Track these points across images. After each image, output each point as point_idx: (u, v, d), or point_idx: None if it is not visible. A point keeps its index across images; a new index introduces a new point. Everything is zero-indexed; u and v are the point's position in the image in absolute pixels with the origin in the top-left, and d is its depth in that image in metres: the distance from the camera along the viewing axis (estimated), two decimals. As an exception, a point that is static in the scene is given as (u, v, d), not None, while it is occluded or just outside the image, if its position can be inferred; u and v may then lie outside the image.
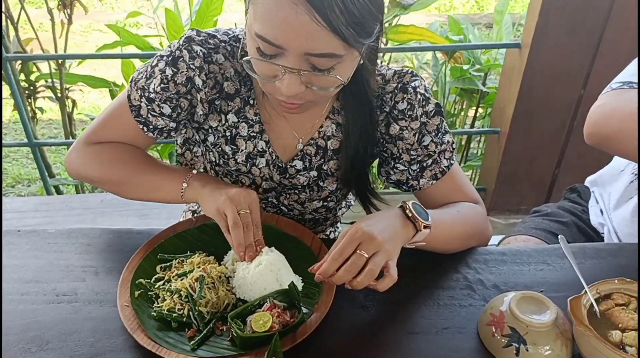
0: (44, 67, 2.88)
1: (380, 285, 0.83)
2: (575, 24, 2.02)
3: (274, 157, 1.06)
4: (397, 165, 1.07)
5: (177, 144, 1.15)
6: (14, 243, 1.04)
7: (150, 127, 1.03)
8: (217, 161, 1.08)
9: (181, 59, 0.97)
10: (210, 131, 1.06)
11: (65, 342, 0.85)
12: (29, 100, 2.90)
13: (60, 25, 2.69)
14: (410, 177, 1.06)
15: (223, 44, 0.99)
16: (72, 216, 1.13)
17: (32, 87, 2.91)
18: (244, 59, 0.85)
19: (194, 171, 1.02)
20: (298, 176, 1.08)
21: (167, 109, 1.01)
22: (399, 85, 1.01)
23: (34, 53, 2.96)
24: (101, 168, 1.05)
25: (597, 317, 0.82)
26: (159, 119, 1.02)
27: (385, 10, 2.45)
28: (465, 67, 2.66)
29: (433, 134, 1.03)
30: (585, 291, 0.84)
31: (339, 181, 1.09)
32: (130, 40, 2.72)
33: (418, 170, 1.05)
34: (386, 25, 2.47)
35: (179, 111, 1.02)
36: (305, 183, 1.09)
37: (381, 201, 1.10)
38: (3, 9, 2.44)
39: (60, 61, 2.68)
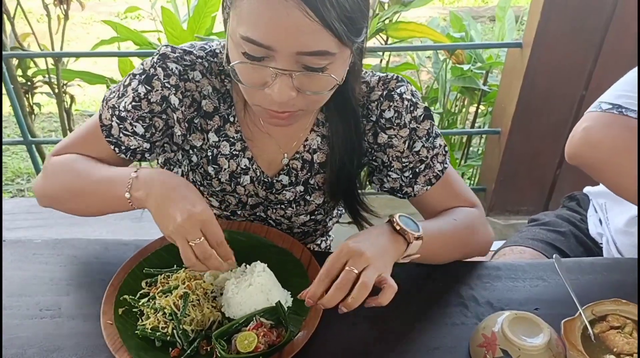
0: (42, 62, 2.86)
1: (382, 298, 0.79)
2: (577, 23, 1.98)
3: (258, 173, 1.03)
4: (390, 173, 1.04)
5: (157, 164, 1.10)
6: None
7: (123, 148, 0.98)
8: (202, 182, 1.04)
9: (155, 77, 0.93)
10: (192, 151, 1.02)
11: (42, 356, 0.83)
12: (27, 95, 2.88)
13: (57, 20, 2.67)
14: (403, 184, 1.03)
15: (200, 61, 0.95)
16: (63, 218, 1.10)
17: (29, 83, 2.89)
18: (231, 64, 0.80)
19: (133, 173, 0.86)
20: (284, 191, 1.05)
21: (139, 129, 0.96)
22: (384, 92, 0.98)
23: (30, 48, 2.93)
24: (54, 178, 0.98)
25: (592, 340, 0.80)
26: (132, 139, 0.97)
27: (385, 7, 2.41)
28: (466, 66, 2.62)
29: (424, 139, 1.00)
30: (580, 313, 0.81)
31: (325, 194, 1.06)
32: (127, 36, 2.69)
33: (411, 176, 1.02)
34: (386, 22, 2.44)
35: (153, 131, 0.97)
36: (291, 198, 1.06)
37: (371, 213, 1.07)
38: (-2, 5, 2.41)
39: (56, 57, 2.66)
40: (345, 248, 0.82)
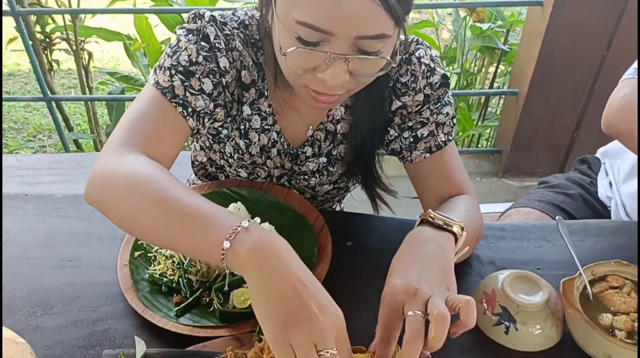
0: (59, 19, 2.87)
1: (466, 320, 0.66)
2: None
3: (285, 146, 1.03)
4: (390, 131, 1.01)
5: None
6: (22, 207, 1.07)
7: (189, 110, 0.86)
8: (232, 154, 1.04)
9: (209, 36, 0.88)
10: (225, 123, 0.99)
11: (69, 306, 0.88)
12: (45, 52, 2.91)
13: (74, -25, 2.66)
14: (404, 147, 1.00)
15: (237, 32, 0.92)
16: (84, 175, 1.13)
17: (47, 40, 2.91)
18: (284, 51, 0.76)
19: (245, 222, 0.64)
20: (307, 162, 1.05)
21: (208, 85, 0.88)
22: (404, 57, 0.96)
23: (48, 5, 2.94)
24: (121, 195, 0.74)
25: (590, 300, 0.82)
26: (199, 98, 0.87)
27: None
28: (486, 24, 2.57)
29: (432, 102, 0.97)
30: (580, 273, 0.83)
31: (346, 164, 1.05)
32: (144, -9, 2.68)
33: (412, 140, 0.99)
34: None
35: (220, 89, 0.90)
36: (314, 169, 1.06)
37: (388, 192, 1.06)
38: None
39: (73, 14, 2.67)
40: (393, 291, 0.70)
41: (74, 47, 2.79)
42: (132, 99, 2.97)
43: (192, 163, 1.22)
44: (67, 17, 2.73)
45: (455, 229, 0.78)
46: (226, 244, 0.62)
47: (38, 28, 2.84)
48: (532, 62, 2.19)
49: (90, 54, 2.95)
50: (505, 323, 0.82)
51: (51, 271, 0.95)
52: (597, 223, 1.05)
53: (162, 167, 0.77)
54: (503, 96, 2.85)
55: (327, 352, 0.58)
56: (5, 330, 0.70)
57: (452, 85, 2.88)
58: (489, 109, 3.10)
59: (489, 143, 3.01)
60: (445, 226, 0.78)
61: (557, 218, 0.92)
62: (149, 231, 0.72)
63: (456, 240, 0.78)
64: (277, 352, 0.59)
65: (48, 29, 2.89)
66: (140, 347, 0.70)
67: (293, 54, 0.75)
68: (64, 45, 2.93)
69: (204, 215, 0.66)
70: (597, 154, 1.38)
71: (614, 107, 1.00)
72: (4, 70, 4.21)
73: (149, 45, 2.70)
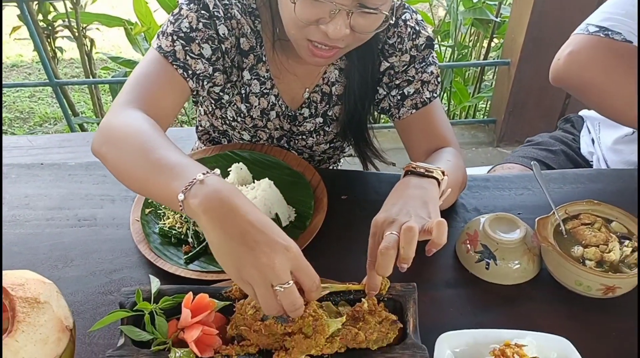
0: (61, 6, 2.93)
1: (436, 238, 0.72)
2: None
3: (283, 108, 1.10)
4: (379, 90, 1.08)
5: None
6: (38, 174, 1.15)
7: (189, 72, 0.94)
8: (235, 118, 1.11)
9: (208, 4, 0.95)
10: (225, 88, 1.06)
11: (87, 259, 0.96)
12: (48, 40, 2.98)
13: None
14: (392, 105, 1.08)
15: (234, 1, 0.98)
16: (84, 161, 1.22)
17: (50, 27, 2.98)
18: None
19: (200, 175, 0.68)
20: (305, 123, 1.13)
21: (207, 50, 0.95)
22: (391, 20, 1.03)
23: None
24: (116, 148, 0.81)
25: (563, 235, 0.90)
26: (198, 62, 0.95)
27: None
28: (478, -3, 2.62)
29: (417, 63, 1.05)
30: (554, 211, 0.91)
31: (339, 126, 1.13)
32: (142, -25, 2.72)
33: (399, 98, 1.06)
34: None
35: (219, 54, 0.97)
36: (312, 129, 1.14)
37: (378, 156, 1.14)
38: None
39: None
40: (376, 222, 0.77)
41: (77, 34, 2.86)
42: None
43: (196, 128, 1.29)
44: (69, 4, 2.79)
45: (436, 174, 0.85)
46: (180, 196, 0.67)
47: (40, 17, 2.91)
48: (522, 32, 2.24)
49: (92, 41, 3.01)
50: (486, 259, 0.90)
51: (69, 229, 1.03)
52: (574, 172, 1.13)
53: (153, 123, 0.83)
54: (496, 68, 2.91)
55: (281, 287, 0.62)
56: (31, 272, 0.78)
57: (446, 58, 2.95)
58: (485, 82, 3.16)
59: (484, 115, 3.07)
60: (427, 173, 0.85)
61: (532, 163, 0.99)
62: (130, 179, 0.79)
63: (439, 183, 0.85)
64: (239, 285, 0.65)
65: (50, 17, 2.95)
66: (155, 283, 0.78)
67: (302, 2, 0.82)
68: (66, 33, 3.00)
69: (171, 167, 0.72)
70: (580, 113, 1.44)
71: (560, 62, 1.07)
72: (7, 61, 4.28)
73: (149, 29, 2.75)
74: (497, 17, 2.67)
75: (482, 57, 3.01)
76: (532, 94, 2.41)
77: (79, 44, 2.89)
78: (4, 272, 0.74)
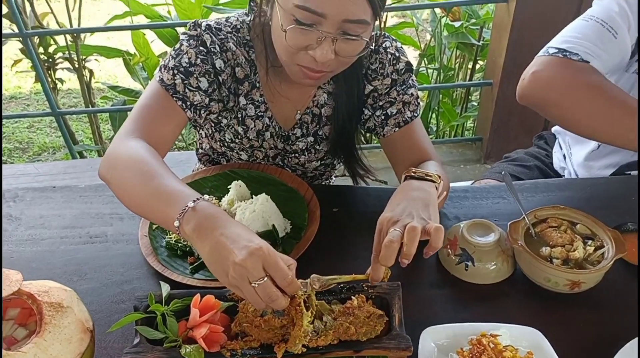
0: (61, 39, 3.05)
1: (434, 242, 0.82)
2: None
3: (277, 129, 1.21)
4: (365, 111, 1.19)
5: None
6: (51, 197, 1.24)
7: (188, 103, 1.06)
8: (233, 139, 1.21)
9: (206, 42, 1.07)
10: (223, 114, 1.17)
11: (100, 273, 1.05)
12: (49, 72, 3.09)
13: (73, -4, 2.84)
14: (377, 124, 1.19)
15: (230, 35, 1.10)
16: (97, 176, 1.30)
17: (50, 60, 3.09)
18: (287, 28, 0.93)
19: (191, 203, 0.79)
20: (297, 142, 1.23)
21: (204, 83, 1.07)
22: (373, 48, 1.14)
23: (49, 27, 3.12)
24: (120, 174, 0.93)
25: (533, 237, 0.99)
26: (196, 94, 1.06)
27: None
28: (460, 22, 2.75)
29: (399, 85, 1.16)
30: (524, 216, 1.00)
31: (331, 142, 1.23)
32: (139, 10, 2.85)
33: (383, 118, 1.17)
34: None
35: (215, 87, 1.08)
36: (304, 147, 1.24)
37: (367, 171, 1.25)
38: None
39: (74, 33, 2.84)
40: (382, 221, 0.87)
41: (77, 66, 2.97)
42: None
43: (197, 151, 1.39)
44: (69, 37, 2.91)
45: (434, 178, 0.96)
46: (176, 223, 0.79)
47: (41, 49, 3.02)
48: (503, 54, 2.37)
49: (91, 72, 3.13)
50: (465, 262, 0.99)
51: (82, 246, 1.11)
52: (545, 181, 1.23)
53: (153, 152, 0.94)
54: (481, 89, 3.03)
55: (256, 283, 0.72)
56: (53, 282, 0.86)
57: (432, 80, 3.07)
58: (471, 102, 3.29)
59: (472, 134, 3.19)
60: (426, 177, 0.96)
61: (502, 172, 1.08)
62: (131, 203, 0.91)
63: (436, 186, 0.96)
64: (232, 290, 0.76)
65: (50, 49, 3.07)
66: (165, 288, 0.86)
67: (291, 30, 0.94)
68: (66, 64, 3.11)
69: (167, 195, 0.83)
70: (552, 131, 1.55)
71: (525, 82, 1.18)
72: (6, 93, 4.39)
73: (147, 59, 2.88)
74: (479, 41, 2.81)
75: (467, 78, 3.14)
76: (515, 113, 2.53)
77: (79, 75, 3.00)
78: (28, 282, 0.83)
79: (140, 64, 2.97)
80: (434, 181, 0.96)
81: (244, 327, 0.81)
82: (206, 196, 0.82)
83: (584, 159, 1.37)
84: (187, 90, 1.06)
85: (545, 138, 1.57)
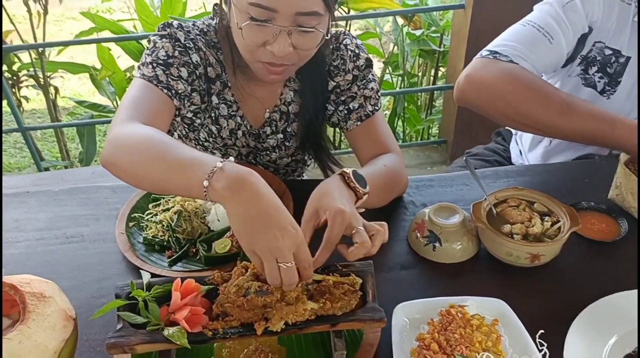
0: (25, 57, 3.03)
1: (374, 248, 0.89)
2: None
3: (248, 127, 1.25)
4: (329, 106, 1.25)
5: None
6: (26, 201, 1.24)
7: (173, 91, 1.08)
8: (207, 138, 1.24)
9: (180, 38, 1.10)
10: (198, 112, 1.20)
11: (79, 271, 1.06)
12: (13, 90, 3.06)
13: (37, 15, 2.84)
14: (340, 119, 1.24)
15: (199, 37, 1.14)
16: (68, 187, 1.32)
17: (15, 78, 3.07)
18: (242, 25, 0.97)
19: (219, 163, 0.78)
20: (268, 139, 1.27)
21: (184, 72, 1.09)
22: (334, 45, 1.21)
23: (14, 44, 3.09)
24: (128, 150, 0.89)
25: (494, 216, 1.05)
26: (179, 82, 1.08)
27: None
28: (420, 30, 2.86)
29: (359, 80, 1.22)
30: (485, 198, 1.06)
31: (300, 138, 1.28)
32: (104, 26, 2.87)
33: (346, 112, 1.22)
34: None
35: (194, 77, 1.12)
36: (274, 144, 1.28)
37: (334, 162, 1.29)
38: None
39: (40, 49, 2.83)
40: (334, 211, 0.89)
41: (42, 83, 2.95)
42: (102, 123, 3.15)
43: None
44: (33, 54, 2.89)
45: (359, 193, 0.97)
46: (205, 183, 0.77)
47: (5, 67, 3.00)
48: (462, 60, 2.47)
49: (56, 89, 3.11)
50: (433, 243, 1.05)
51: (59, 246, 1.12)
52: (505, 168, 1.30)
53: (159, 130, 0.92)
54: (444, 93, 3.14)
55: (285, 264, 0.75)
56: (33, 276, 0.87)
57: (397, 87, 3.17)
58: (435, 107, 3.39)
59: (436, 137, 3.29)
60: (353, 189, 0.97)
61: (464, 159, 1.15)
62: (149, 179, 0.87)
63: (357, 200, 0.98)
64: (249, 256, 0.78)
65: (15, 67, 3.05)
66: (146, 275, 0.89)
67: (247, 27, 0.98)
68: (31, 82, 3.09)
69: (189, 161, 0.81)
70: (507, 127, 1.64)
71: (459, 84, 1.26)
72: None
73: (114, 73, 2.88)
74: (440, 47, 2.92)
75: (431, 84, 3.25)
76: (475, 114, 2.61)
77: (44, 92, 2.99)
78: (8, 277, 0.84)
79: (107, 79, 2.98)
80: (357, 195, 0.97)
81: (225, 307, 0.83)
82: (232, 158, 0.81)
83: (541, 157, 1.45)
84: (169, 79, 1.08)
85: (502, 134, 1.66)
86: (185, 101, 1.12)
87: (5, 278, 0.83)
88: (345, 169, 0.98)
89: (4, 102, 2.73)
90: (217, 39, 1.17)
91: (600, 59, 1.29)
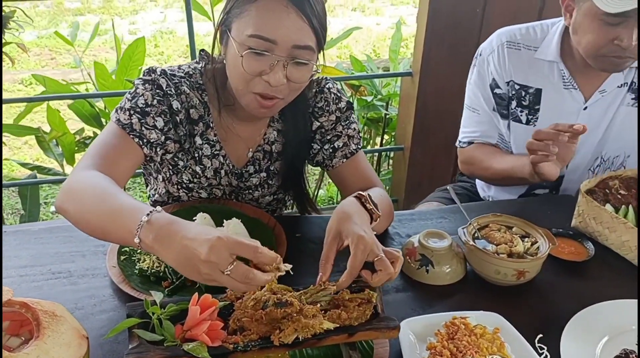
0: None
1: (394, 275, 0.92)
2: (452, 52, 2.46)
3: (231, 167, 1.28)
4: (313, 146, 1.31)
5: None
6: (4, 240, 1.19)
7: (144, 140, 1.13)
8: (191, 180, 1.27)
9: (162, 85, 1.15)
10: (179, 155, 1.23)
11: (72, 305, 1.00)
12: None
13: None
14: (325, 157, 1.31)
15: (184, 79, 1.20)
16: (46, 227, 1.29)
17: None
18: (243, 53, 1.03)
19: (145, 217, 0.83)
20: (251, 178, 1.31)
21: (160, 122, 1.14)
22: (317, 89, 1.29)
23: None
24: (79, 200, 0.97)
25: (479, 239, 1.13)
26: (152, 132, 1.13)
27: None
28: (369, 98, 3.06)
29: (342, 121, 1.30)
30: (470, 223, 1.15)
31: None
32: (56, 89, 2.85)
33: (331, 151, 1.29)
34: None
35: (170, 126, 1.16)
36: (257, 183, 1.32)
37: (313, 208, 1.36)
38: None
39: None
40: (357, 238, 0.92)
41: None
42: (46, 183, 3.03)
43: (149, 198, 1.41)
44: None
45: (375, 216, 1.04)
46: (136, 240, 0.83)
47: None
48: (411, 121, 2.64)
49: (-2, 151, 3.00)
50: (426, 266, 1.10)
51: (45, 282, 1.08)
52: (476, 204, 1.42)
53: (108, 178, 0.99)
54: (392, 157, 3.30)
55: (227, 271, 0.76)
56: (37, 299, 0.84)
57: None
58: (382, 172, 3.55)
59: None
60: (370, 211, 1.04)
61: (447, 187, 1.24)
62: (91, 228, 0.95)
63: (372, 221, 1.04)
64: (215, 285, 0.80)
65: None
66: (158, 295, 0.87)
67: (247, 56, 1.04)
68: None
69: (121, 213, 0.88)
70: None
71: (461, 168, 1.65)
72: None
73: (63, 134, 2.84)
74: (386, 110, 3.12)
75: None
76: (425, 173, 2.78)
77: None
78: (16, 298, 0.81)
79: (55, 140, 2.92)
80: (372, 217, 1.04)
81: (243, 322, 0.84)
82: (158, 208, 0.86)
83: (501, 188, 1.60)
84: (143, 128, 1.12)
85: (465, 174, 1.80)
86: (158, 149, 1.16)
87: (14, 298, 0.80)
88: (361, 192, 1.06)
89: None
90: (202, 81, 1.23)
91: (514, 93, 1.51)
